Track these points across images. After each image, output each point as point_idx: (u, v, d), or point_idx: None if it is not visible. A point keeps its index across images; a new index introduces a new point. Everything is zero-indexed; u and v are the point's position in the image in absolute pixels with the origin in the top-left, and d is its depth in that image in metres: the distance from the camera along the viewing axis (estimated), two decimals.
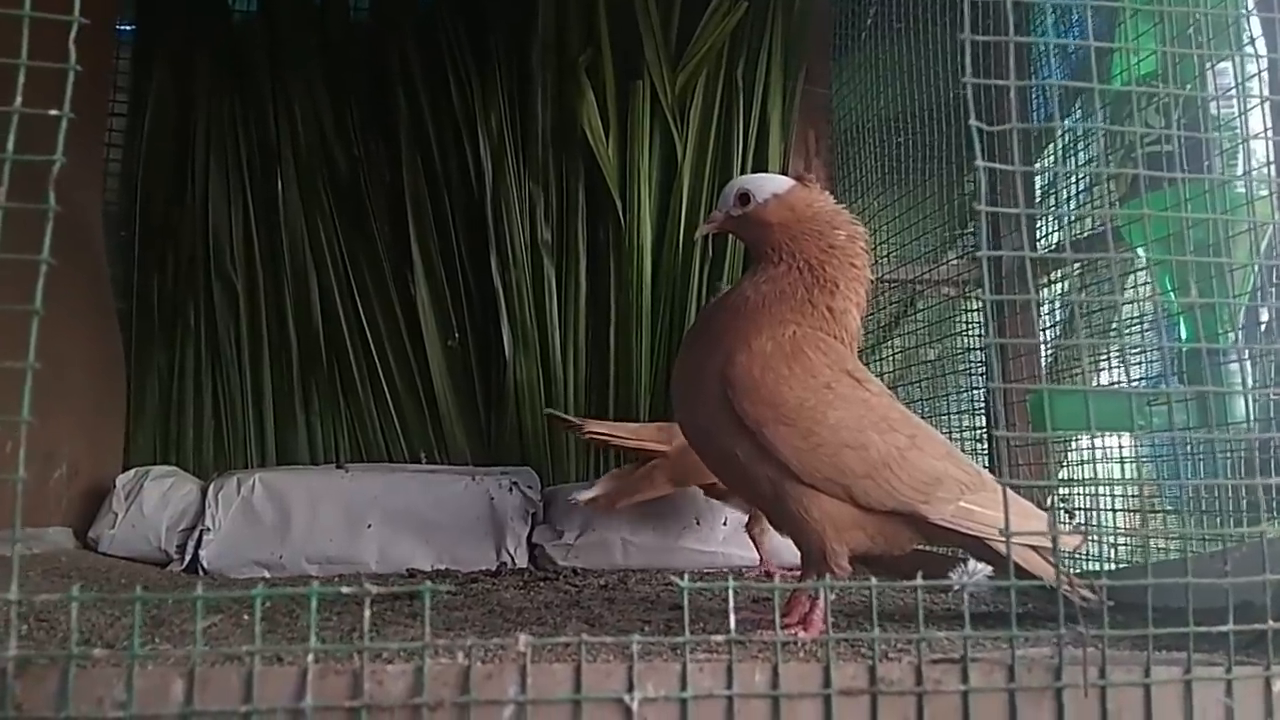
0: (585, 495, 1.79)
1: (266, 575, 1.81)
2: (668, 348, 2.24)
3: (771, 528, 1.78)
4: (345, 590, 0.62)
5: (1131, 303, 1.44)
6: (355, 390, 2.22)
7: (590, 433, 1.80)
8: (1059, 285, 2.20)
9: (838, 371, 1.10)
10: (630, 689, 0.64)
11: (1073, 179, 2.16)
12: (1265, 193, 1.21)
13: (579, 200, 2.27)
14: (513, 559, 1.90)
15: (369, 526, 1.88)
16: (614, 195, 2.23)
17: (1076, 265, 2.11)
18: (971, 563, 1.47)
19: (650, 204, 2.24)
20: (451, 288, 2.25)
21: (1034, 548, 1.14)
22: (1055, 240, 2.14)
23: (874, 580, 0.69)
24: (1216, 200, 1.20)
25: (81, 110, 0.65)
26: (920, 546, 1.16)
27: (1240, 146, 1.20)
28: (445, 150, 2.27)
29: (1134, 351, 1.83)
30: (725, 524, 1.95)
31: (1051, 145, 2.32)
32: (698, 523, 1.96)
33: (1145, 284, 1.91)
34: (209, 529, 1.83)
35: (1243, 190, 1.21)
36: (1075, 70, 2.24)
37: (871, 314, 2.35)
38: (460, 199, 2.27)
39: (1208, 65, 1.23)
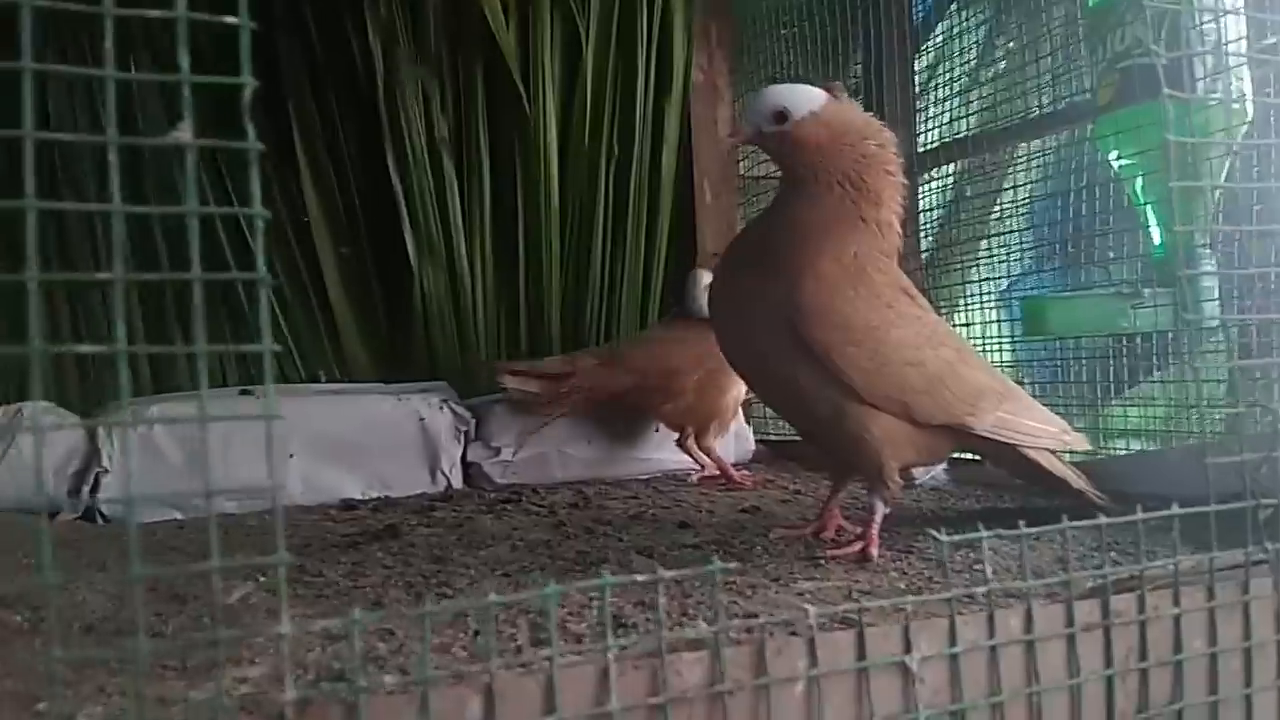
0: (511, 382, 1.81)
1: (179, 516, 1.64)
2: (578, 248, 2.16)
3: (696, 437, 1.82)
4: (640, 578, 0.55)
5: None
6: (239, 305, 2.01)
7: (512, 373, 1.80)
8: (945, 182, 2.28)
9: (896, 290, 1.10)
10: (908, 650, 0.62)
11: (947, 81, 2.22)
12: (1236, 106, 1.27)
13: (478, 91, 2.11)
14: (449, 480, 1.81)
15: (291, 456, 1.72)
16: (518, 83, 2.08)
17: (960, 164, 2.20)
18: None
19: (555, 94, 2.12)
20: (342, 190, 2.05)
21: (1051, 451, 1.21)
22: (935, 138, 2.20)
23: (1102, 519, 0.69)
24: (1195, 118, 1.26)
25: None
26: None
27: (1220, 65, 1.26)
28: (326, 34, 2.03)
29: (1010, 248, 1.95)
30: (657, 430, 1.95)
31: (930, 43, 2.37)
32: (629, 430, 1.94)
33: (1024, 184, 2.03)
34: (106, 470, 1.62)
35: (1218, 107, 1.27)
36: None
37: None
38: (345, 91, 2.05)
39: None
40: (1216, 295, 1.30)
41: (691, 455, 1.82)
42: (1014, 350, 1.97)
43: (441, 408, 1.84)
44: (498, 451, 1.85)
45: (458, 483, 1.82)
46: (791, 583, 0.95)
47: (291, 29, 2.01)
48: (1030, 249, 1.96)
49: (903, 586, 0.93)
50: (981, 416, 1.12)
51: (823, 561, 1.05)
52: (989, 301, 1.95)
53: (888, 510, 1.11)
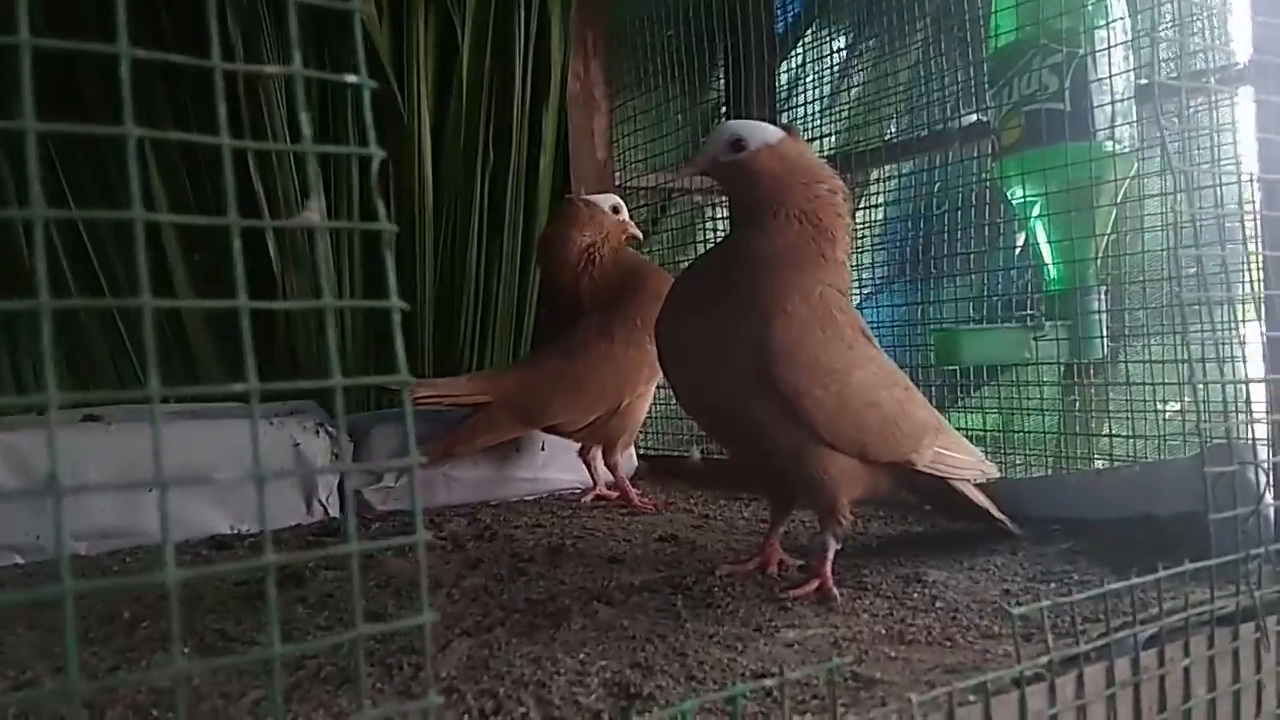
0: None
1: (19, 561, 1.44)
2: (452, 256, 2.07)
3: (604, 453, 1.78)
4: (770, 683, 0.52)
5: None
6: (75, 317, 1.79)
7: (421, 399, 1.66)
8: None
9: (856, 331, 1.10)
10: None
11: (808, 97, 2.29)
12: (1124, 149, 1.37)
13: (347, 89, 1.97)
14: (326, 509, 1.69)
15: (149, 490, 1.55)
16: (391, 83, 1.96)
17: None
18: None
19: (429, 96, 2.02)
20: (196, 191, 1.87)
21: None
22: None
23: (1134, 577, 0.71)
24: (1094, 163, 1.34)
25: None
26: None
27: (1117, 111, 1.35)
28: (179, 22, 1.84)
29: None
30: (543, 449, 1.89)
31: (791, 57, 2.44)
32: (517, 450, 1.88)
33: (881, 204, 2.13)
34: None
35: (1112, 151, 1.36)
36: None
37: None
38: (201, 84, 1.86)
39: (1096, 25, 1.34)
40: (1104, 330, 1.40)
41: (591, 471, 1.79)
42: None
43: (318, 432, 1.71)
44: (379, 477, 1.74)
45: (335, 511, 1.70)
46: (774, 632, 0.94)
47: (141, 13, 1.81)
48: (882, 266, 2.05)
49: (882, 631, 0.93)
50: (923, 453, 1.15)
51: (788, 605, 1.04)
52: None
53: (838, 546, 1.12)
